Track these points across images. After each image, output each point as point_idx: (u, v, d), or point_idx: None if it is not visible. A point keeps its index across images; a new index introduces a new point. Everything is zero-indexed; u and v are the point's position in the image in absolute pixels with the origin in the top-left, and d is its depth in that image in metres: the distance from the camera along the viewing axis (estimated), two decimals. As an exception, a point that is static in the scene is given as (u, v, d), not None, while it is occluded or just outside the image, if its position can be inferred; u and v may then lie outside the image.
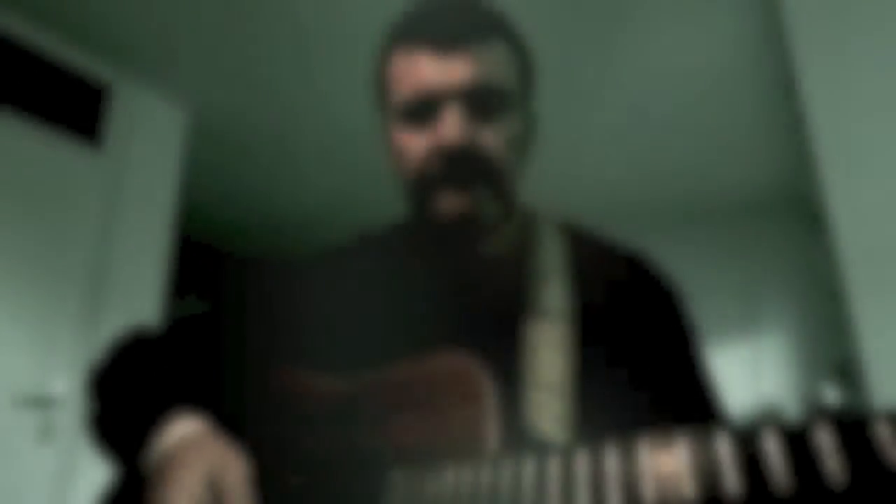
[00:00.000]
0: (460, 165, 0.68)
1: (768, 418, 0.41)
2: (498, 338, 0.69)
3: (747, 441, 0.40)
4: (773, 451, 0.39)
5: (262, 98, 2.95)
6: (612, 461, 0.45)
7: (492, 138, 0.69)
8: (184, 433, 0.61)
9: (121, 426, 0.67)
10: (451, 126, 0.67)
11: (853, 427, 0.38)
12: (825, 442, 0.38)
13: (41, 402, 2.25)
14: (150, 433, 0.62)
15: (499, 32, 0.72)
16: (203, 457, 0.58)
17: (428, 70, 0.68)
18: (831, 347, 3.18)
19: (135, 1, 2.32)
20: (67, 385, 2.32)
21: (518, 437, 0.56)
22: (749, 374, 3.97)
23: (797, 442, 0.39)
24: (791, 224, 3.99)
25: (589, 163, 3.58)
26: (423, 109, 0.69)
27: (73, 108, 2.57)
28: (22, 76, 2.41)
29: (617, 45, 2.59)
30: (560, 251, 0.77)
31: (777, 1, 1.84)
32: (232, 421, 0.67)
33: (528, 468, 0.47)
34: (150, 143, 2.83)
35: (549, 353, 0.67)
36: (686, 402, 0.70)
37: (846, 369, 1.54)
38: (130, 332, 0.79)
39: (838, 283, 1.53)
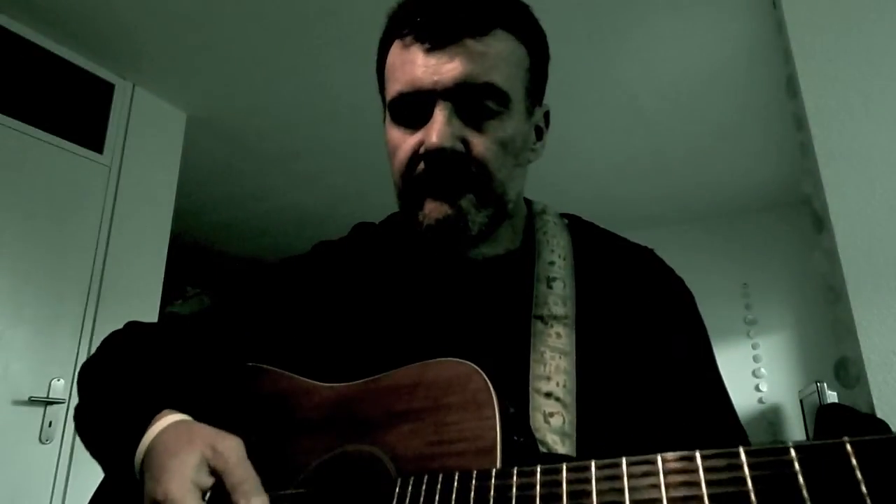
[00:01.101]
0: (443, 171, 0.64)
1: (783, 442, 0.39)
2: (500, 343, 0.66)
3: (770, 462, 0.37)
4: (795, 471, 0.36)
5: (262, 98, 2.94)
6: (626, 480, 0.41)
7: (482, 141, 0.65)
8: (169, 424, 0.59)
9: (107, 422, 0.65)
10: (435, 127, 0.63)
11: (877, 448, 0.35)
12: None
13: (42, 402, 2.26)
14: (135, 431, 0.60)
15: (503, 25, 0.67)
16: (193, 441, 0.56)
17: (420, 67, 0.65)
18: (831, 347, 3.19)
19: (135, 2, 2.32)
20: (68, 385, 2.32)
21: (522, 446, 0.54)
22: (749, 374, 3.97)
23: (821, 461, 0.36)
24: (791, 224, 4.00)
25: (588, 163, 3.58)
26: (415, 108, 0.66)
27: (74, 109, 2.57)
28: (24, 77, 2.41)
29: (617, 44, 2.59)
30: (566, 251, 0.73)
31: (777, 1, 1.84)
32: (225, 425, 0.66)
33: (539, 483, 0.44)
34: (150, 143, 2.83)
35: (555, 358, 0.64)
36: (702, 408, 0.66)
37: (846, 369, 1.54)
38: (124, 328, 0.77)
39: (838, 283, 1.53)
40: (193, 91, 2.89)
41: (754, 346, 4.00)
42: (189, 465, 0.53)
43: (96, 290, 2.49)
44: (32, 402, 2.23)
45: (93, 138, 2.60)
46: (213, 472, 0.54)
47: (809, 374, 3.74)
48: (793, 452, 0.37)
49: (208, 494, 0.54)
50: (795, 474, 0.36)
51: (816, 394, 3.16)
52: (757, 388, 3.92)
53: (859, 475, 0.34)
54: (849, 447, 0.35)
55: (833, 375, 1.60)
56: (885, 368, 1.43)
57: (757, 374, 3.95)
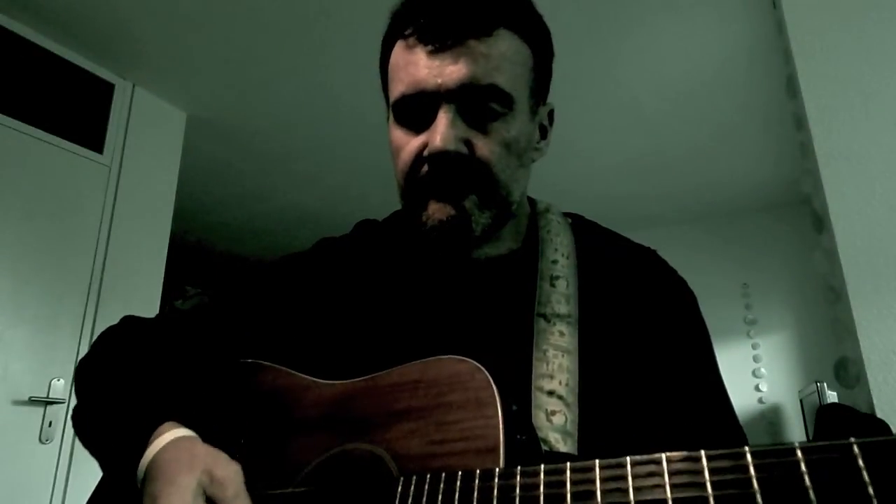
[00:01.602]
0: (446, 173, 0.64)
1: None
2: (503, 341, 0.66)
3: (776, 463, 0.37)
4: (801, 472, 0.36)
5: (262, 98, 2.94)
6: (631, 480, 0.41)
7: (486, 143, 0.65)
8: (170, 441, 0.59)
9: (108, 429, 0.64)
10: (439, 130, 0.63)
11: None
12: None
13: (42, 402, 2.25)
14: (137, 443, 0.60)
15: (507, 24, 0.66)
16: (193, 466, 0.56)
17: (423, 69, 0.64)
18: (831, 347, 3.19)
19: (135, 2, 2.32)
20: (68, 385, 2.32)
21: (524, 445, 0.54)
22: (749, 374, 3.97)
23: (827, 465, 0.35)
24: (791, 224, 3.99)
25: (588, 162, 3.58)
26: (418, 110, 0.66)
27: (74, 109, 2.56)
28: (24, 77, 2.41)
29: (617, 44, 2.59)
30: (569, 250, 0.73)
31: (777, 1, 1.84)
32: (225, 424, 0.65)
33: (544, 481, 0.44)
34: (150, 143, 2.83)
35: (558, 356, 0.64)
36: (702, 408, 0.67)
37: (846, 369, 1.54)
38: (120, 324, 0.76)
39: (838, 283, 1.53)
40: (193, 91, 2.89)
41: (754, 346, 4.00)
42: (187, 492, 0.54)
43: (96, 290, 2.49)
44: (32, 402, 2.23)
45: (93, 138, 2.60)
46: (210, 499, 0.54)
47: (809, 374, 3.74)
48: (799, 453, 0.37)
49: None
50: (802, 475, 0.36)
51: (816, 394, 3.16)
52: (757, 388, 3.92)
53: (866, 477, 0.34)
54: (856, 448, 0.35)
55: (833, 375, 1.60)
56: (885, 368, 1.43)
57: (757, 374, 3.95)
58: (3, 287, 2.23)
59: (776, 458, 0.37)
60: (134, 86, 2.79)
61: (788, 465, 0.36)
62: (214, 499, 0.54)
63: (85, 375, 0.71)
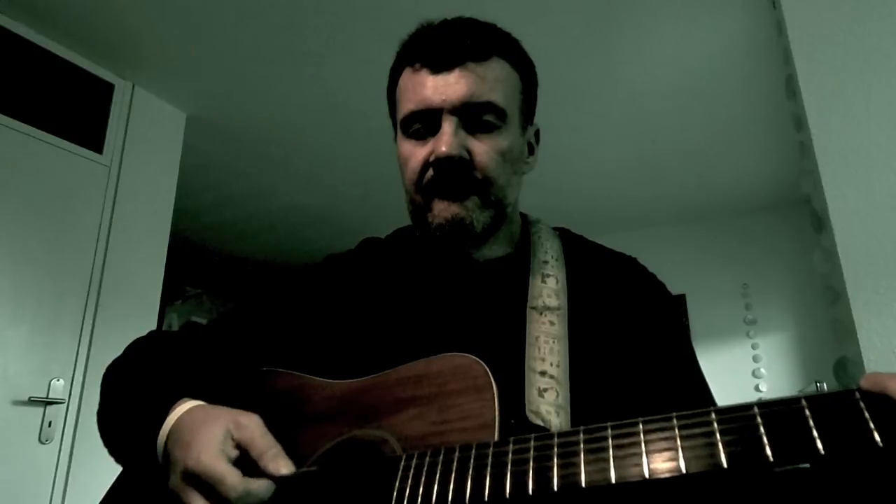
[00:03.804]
0: (451, 175, 0.72)
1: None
2: (500, 332, 0.72)
3: (737, 417, 0.43)
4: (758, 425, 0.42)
5: (262, 98, 2.94)
6: (611, 440, 0.46)
7: (484, 151, 0.73)
8: (190, 408, 0.63)
9: (127, 413, 0.68)
10: (443, 138, 0.71)
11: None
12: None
13: (42, 402, 2.25)
14: (156, 418, 0.64)
15: (500, 53, 0.76)
16: (218, 417, 0.60)
17: (428, 87, 0.74)
18: (831, 347, 3.19)
19: (135, 2, 2.32)
20: (67, 385, 2.33)
21: (516, 427, 0.58)
22: (749, 374, 3.97)
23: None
24: (791, 224, 3.99)
25: (588, 162, 3.58)
26: (424, 123, 0.74)
27: (74, 109, 2.57)
28: (24, 77, 2.41)
29: (617, 44, 2.59)
30: (558, 253, 0.81)
31: (777, 1, 1.84)
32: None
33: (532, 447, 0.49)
34: (150, 143, 2.83)
35: (549, 342, 0.70)
36: (681, 388, 0.73)
37: (846, 369, 1.54)
38: (146, 335, 0.82)
39: (838, 283, 1.53)
40: (193, 91, 2.89)
41: (754, 346, 4.00)
42: (217, 436, 0.58)
43: (96, 290, 2.48)
44: (32, 402, 2.23)
45: (92, 138, 2.60)
46: (238, 445, 0.58)
47: (809, 374, 3.74)
48: (756, 409, 0.43)
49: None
50: (758, 425, 0.42)
51: (816, 394, 3.16)
52: (757, 389, 3.92)
53: (811, 422, 0.41)
54: (803, 401, 0.42)
55: (833, 375, 1.60)
56: (885, 368, 1.43)
57: (757, 374, 3.95)
58: (3, 287, 2.23)
59: (736, 413, 0.44)
60: (134, 86, 2.79)
61: (746, 419, 0.43)
62: (242, 441, 0.58)
63: (110, 376, 0.76)
